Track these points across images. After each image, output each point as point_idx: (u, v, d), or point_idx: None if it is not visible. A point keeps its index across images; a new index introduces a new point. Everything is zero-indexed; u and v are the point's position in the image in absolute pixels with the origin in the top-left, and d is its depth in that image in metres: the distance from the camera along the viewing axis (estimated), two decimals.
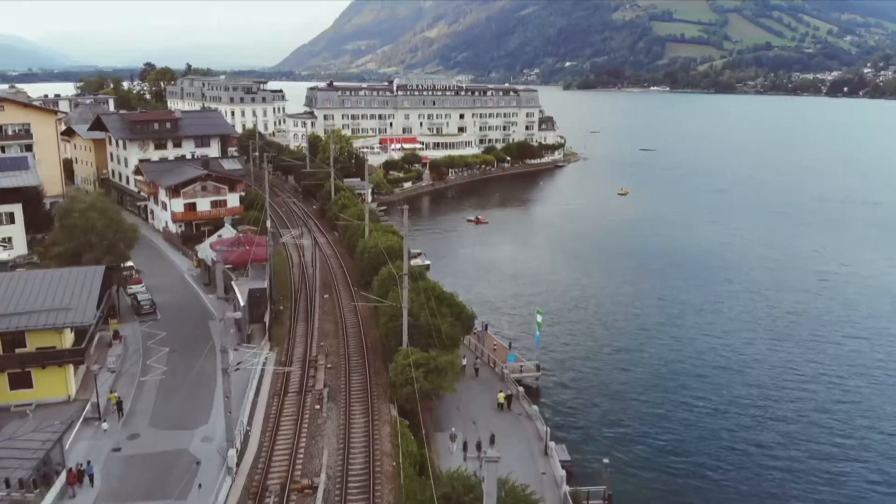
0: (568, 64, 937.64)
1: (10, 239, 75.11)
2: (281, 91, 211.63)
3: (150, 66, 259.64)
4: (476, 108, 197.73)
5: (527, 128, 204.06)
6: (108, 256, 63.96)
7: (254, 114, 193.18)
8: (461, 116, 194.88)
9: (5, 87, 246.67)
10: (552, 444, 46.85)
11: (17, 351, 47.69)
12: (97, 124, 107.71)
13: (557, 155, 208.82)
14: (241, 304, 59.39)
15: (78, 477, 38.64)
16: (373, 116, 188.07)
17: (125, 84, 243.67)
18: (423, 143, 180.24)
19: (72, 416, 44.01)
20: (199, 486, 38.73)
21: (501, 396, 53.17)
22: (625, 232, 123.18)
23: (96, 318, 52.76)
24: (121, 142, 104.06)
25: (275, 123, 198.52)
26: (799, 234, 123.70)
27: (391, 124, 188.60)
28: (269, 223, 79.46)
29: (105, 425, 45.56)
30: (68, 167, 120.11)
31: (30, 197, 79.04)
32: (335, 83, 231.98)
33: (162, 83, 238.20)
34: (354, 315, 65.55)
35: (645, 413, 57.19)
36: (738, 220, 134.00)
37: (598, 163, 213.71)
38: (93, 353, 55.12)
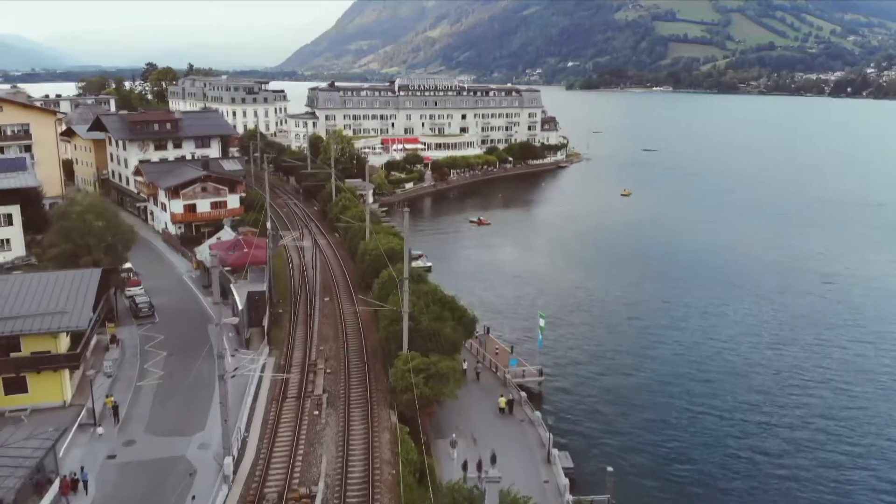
0: (570, 64, 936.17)
1: (8, 241, 74.53)
2: (283, 91, 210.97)
3: (151, 66, 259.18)
4: (478, 108, 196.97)
5: (529, 128, 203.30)
6: (105, 258, 63.33)
7: (255, 114, 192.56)
8: (463, 117, 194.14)
9: (7, 87, 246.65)
10: (555, 451, 46.02)
11: (12, 355, 47.04)
12: (97, 125, 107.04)
13: (560, 155, 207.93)
14: (240, 307, 58.65)
15: (71, 485, 37.93)
16: (374, 117, 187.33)
17: (127, 84, 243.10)
18: (424, 144, 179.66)
19: (65, 423, 43.26)
20: (193, 497, 37.87)
21: (502, 401, 52.44)
22: (628, 233, 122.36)
23: (92, 321, 52.09)
24: (120, 142, 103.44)
25: (276, 124, 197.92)
26: (803, 235, 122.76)
27: (393, 125, 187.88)
28: (269, 225, 78.81)
29: (100, 430, 44.89)
30: (68, 168, 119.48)
31: (28, 198, 78.29)
32: (337, 83, 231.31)
33: (163, 83, 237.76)
34: (355, 318, 64.80)
35: (649, 419, 56.37)
36: (741, 221, 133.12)
37: (601, 163, 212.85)
38: (89, 358, 54.40)
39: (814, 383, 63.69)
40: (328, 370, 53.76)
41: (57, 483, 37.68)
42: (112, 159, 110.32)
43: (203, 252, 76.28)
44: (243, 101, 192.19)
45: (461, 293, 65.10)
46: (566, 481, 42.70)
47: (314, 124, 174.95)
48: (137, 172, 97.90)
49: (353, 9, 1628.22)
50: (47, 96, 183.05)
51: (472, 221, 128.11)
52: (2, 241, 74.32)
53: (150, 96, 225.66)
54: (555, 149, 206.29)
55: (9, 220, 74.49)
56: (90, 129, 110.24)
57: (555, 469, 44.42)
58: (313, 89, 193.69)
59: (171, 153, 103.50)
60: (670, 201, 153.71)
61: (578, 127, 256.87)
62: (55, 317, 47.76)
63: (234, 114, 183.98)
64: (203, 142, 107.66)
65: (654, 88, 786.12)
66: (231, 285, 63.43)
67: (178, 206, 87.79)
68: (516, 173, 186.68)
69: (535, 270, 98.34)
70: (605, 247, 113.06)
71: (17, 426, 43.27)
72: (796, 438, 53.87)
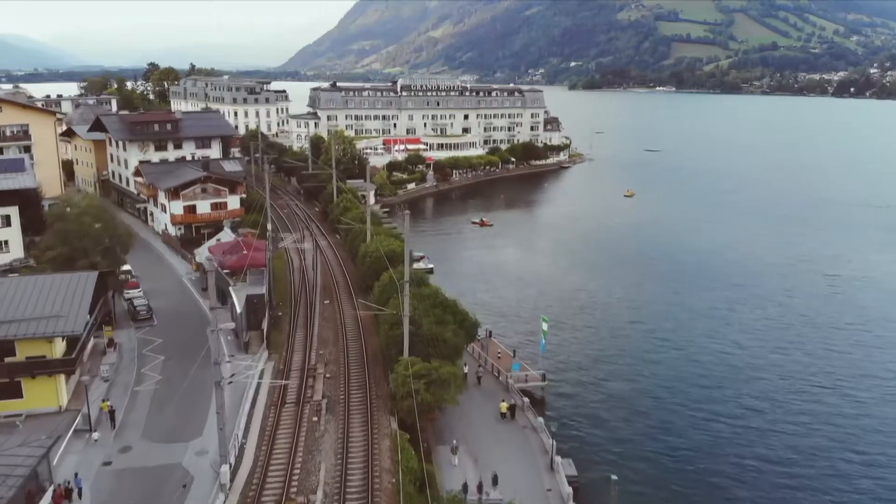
0: (573, 64, 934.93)
1: (6, 242, 73.85)
2: (284, 91, 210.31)
3: (153, 66, 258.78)
4: (480, 108, 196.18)
5: (532, 128, 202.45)
6: (103, 261, 62.61)
7: (257, 114, 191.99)
8: (465, 117, 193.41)
9: (9, 87, 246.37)
10: (558, 458, 45.18)
11: (7, 360, 46.36)
12: (97, 125, 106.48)
13: (563, 156, 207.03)
14: (238, 310, 57.92)
15: (65, 494, 37.21)
16: (376, 117, 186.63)
17: (128, 84, 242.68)
18: (426, 144, 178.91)
19: (59, 430, 42.45)
20: None
21: (504, 406, 51.67)
22: (631, 234, 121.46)
23: (89, 325, 51.39)
24: (121, 143, 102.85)
25: (278, 124, 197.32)
26: (807, 236, 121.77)
27: (395, 125, 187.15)
28: (269, 226, 78.06)
29: (96, 435, 44.22)
30: (69, 168, 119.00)
31: (27, 199, 77.58)
32: (339, 83, 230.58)
33: (165, 83, 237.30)
34: (355, 322, 64.04)
35: (654, 426, 55.46)
36: (745, 221, 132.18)
37: (604, 164, 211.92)
38: (86, 362, 53.78)
39: (820, 388, 62.78)
40: (328, 375, 53.00)
41: (50, 493, 36.91)
42: (112, 160, 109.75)
43: (203, 254, 75.65)
44: (245, 101, 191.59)
45: (463, 295, 64.35)
46: (570, 490, 41.85)
47: (316, 125, 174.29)
48: (137, 173, 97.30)
49: (355, 9, 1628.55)
50: (48, 96, 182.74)
51: (474, 222, 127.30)
52: (0, 242, 73.68)
53: (151, 96, 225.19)
54: (557, 149, 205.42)
55: (7, 221, 73.69)
56: (90, 130, 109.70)
57: (558, 477, 43.54)
58: (315, 89, 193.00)
59: (171, 154, 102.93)
60: (673, 202, 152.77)
61: (581, 127, 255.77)
62: (50, 321, 47.04)
63: (235, 114, 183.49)
64: (203, 142, 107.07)
65: (657, 88, 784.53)
66: (230, 288, 62.72)
67: (178, 207, 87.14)
68: (519, 174, 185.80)
69: (538, 272, 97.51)
70: (608, 248, 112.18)
71: (12, 432, 42.59)
72: (803, 445, 52.95)
